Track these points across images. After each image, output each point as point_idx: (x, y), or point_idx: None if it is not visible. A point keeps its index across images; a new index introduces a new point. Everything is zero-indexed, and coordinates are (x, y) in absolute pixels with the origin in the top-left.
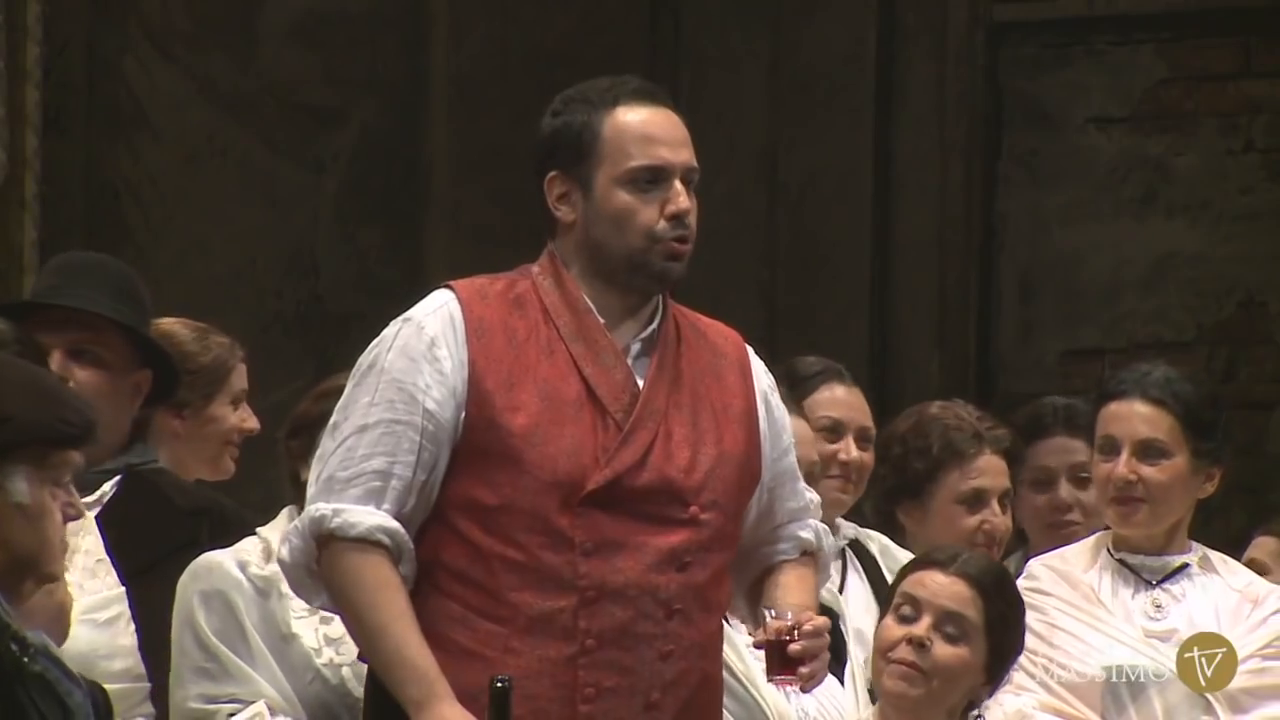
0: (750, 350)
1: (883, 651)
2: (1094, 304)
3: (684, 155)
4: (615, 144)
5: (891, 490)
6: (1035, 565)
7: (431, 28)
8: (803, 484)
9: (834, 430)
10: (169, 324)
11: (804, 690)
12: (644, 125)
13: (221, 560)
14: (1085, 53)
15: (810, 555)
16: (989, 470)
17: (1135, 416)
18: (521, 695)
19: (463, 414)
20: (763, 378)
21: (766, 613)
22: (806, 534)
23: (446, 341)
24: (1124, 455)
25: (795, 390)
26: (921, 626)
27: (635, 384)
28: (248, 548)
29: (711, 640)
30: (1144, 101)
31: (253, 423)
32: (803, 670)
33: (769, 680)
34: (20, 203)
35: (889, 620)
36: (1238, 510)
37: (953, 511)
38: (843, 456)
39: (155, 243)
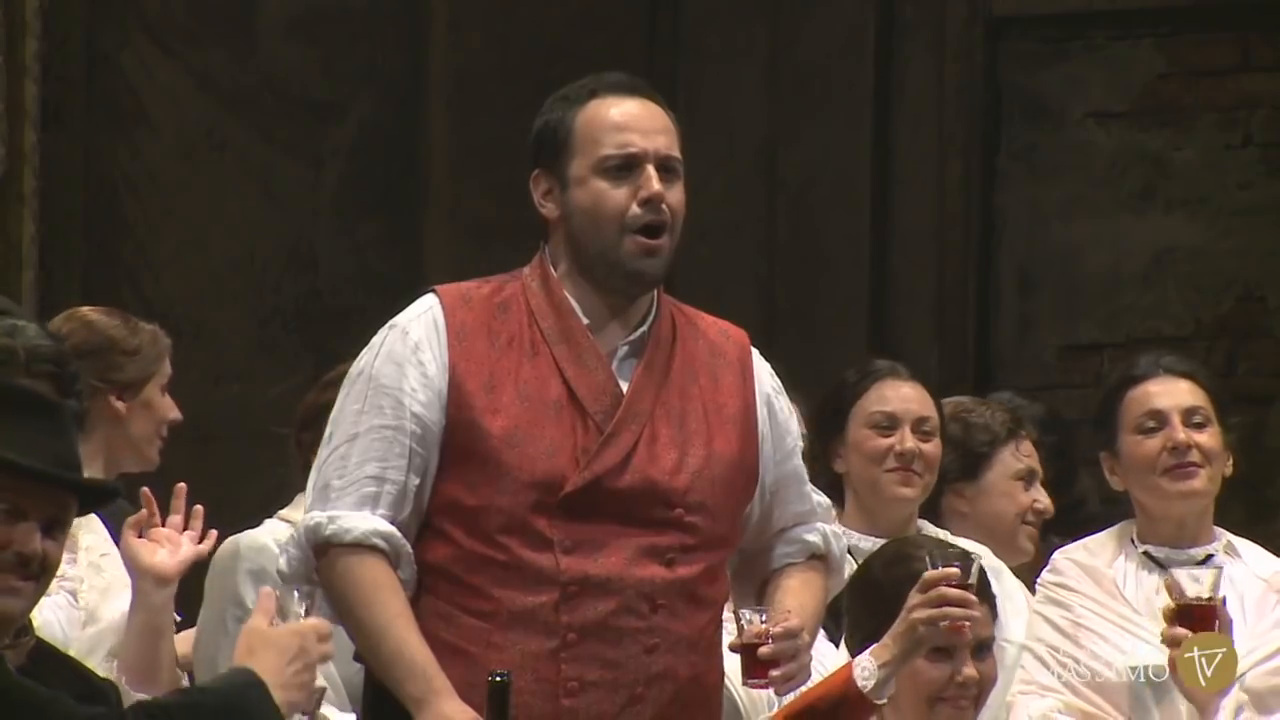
0: (755, 352)
1: (934, 695)
2: (1092, 299)
3: (658, 142)
4: (587, 135)
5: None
6: (1060, 559)
7: (430, 22)
8: (810, 487)
9: (889, 426)
10: (88, 313)
11: (779, 693)
12: (616, 115)
13: (266, 541)
14: (1084, 47)
15: (819, 559)
16: (1033, 451)
17: (1177, 388)
18: None
19: (445, 417)
20: (766, 379)
21: (741, 615)
22: (813, 537)
23: (430, 345)
24: (1176, 422)
25: (847, 400)
26: (966, 661)
27: (617, 386)
28: (281, 530)
29: (703, 635)
30: (1143, 96)
31: (176, 413)
32: (774, 673)
33: (744, 684)
34: (19, 198)
35: (920, 664)
36: (1237, 505)
37: (1010, 487)
38: (898, 447)
39: (154, 237)
